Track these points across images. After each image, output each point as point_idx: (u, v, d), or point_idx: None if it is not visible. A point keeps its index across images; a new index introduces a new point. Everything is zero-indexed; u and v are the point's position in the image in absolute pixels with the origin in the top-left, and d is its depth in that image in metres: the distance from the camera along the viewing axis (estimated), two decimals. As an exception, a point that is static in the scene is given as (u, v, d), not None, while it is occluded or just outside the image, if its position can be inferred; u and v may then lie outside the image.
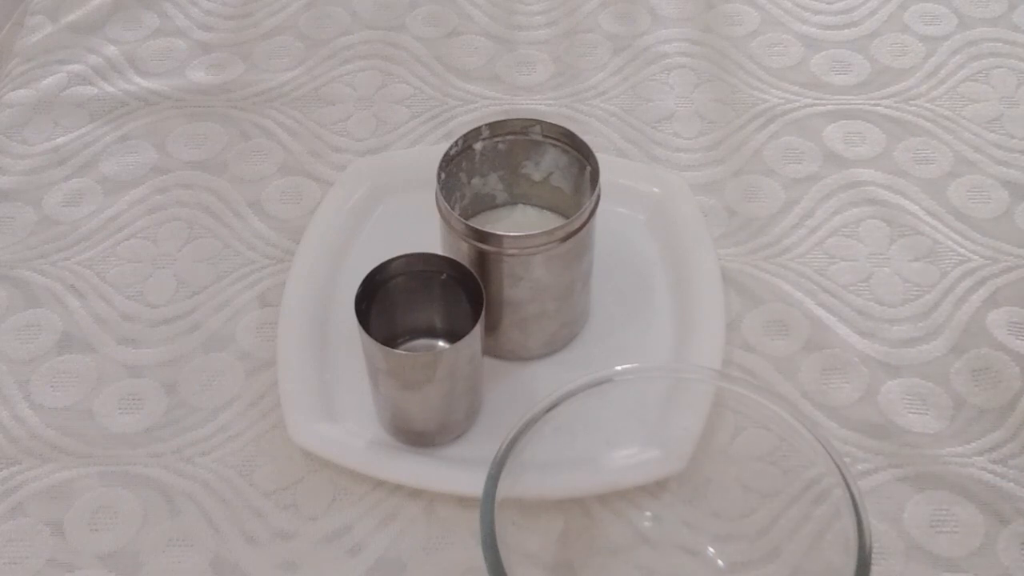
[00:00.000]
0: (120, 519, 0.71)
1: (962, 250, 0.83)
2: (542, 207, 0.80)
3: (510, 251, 0.70)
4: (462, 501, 0.70)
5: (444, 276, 0.71)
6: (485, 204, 0.80)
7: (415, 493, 0.71)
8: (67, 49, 1.00)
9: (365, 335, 0.67)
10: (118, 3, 1.04)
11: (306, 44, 1.00)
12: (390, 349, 0.67)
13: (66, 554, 0.70)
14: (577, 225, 0.71)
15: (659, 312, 0.79)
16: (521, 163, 0.77)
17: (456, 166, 0.75)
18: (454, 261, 0.71)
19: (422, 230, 0.81)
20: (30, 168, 0.91)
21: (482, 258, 0.71)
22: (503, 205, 0.80)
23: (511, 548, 0.59)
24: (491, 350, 0.75)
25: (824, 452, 0.61)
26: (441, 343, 0.75)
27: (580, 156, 0.74)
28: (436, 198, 0.72)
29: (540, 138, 0.76)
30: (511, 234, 0.70)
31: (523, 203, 0.80)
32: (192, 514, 0.71)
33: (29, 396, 0.77)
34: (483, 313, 0.68)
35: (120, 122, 0.94)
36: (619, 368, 0.65)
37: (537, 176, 0.78)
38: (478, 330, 0.68)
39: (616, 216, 0.83)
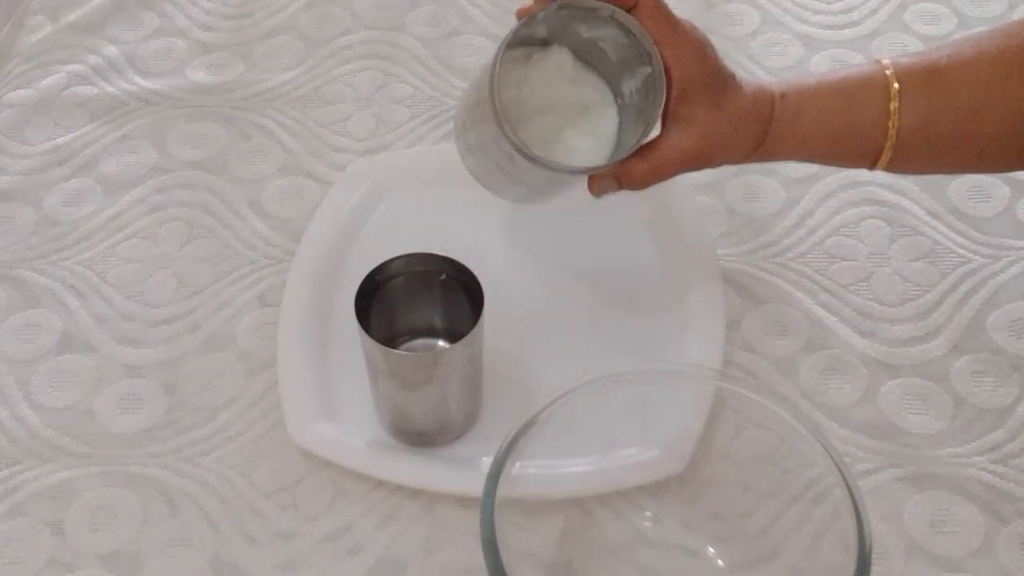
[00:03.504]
0: (120, 519, 0.71)
1: (962, 250, 0.83)
2: (578, 56, 0.72)
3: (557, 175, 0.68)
4: (462, 501, 0.70)
5: (444, 276, 0.71)
6: (525, 41, 0.71)
7: (415, 493, 0.71)
8: (67, 49, 1.00)
9: (365, 335, 0.67)
10: (118, 3, 1.04)
11: (306, 44, 1.00)
12: (390, 349, 0.67)
13: (66, 554, 0.70)
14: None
15: (659, 312, 0.79)
16: (576, 23, 0.70)
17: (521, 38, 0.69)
18: (454, 261, 0.71)
19: (422, 230, 0.82)
20: (30, 168, 0.91)
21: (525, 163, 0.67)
22: (541, 44, 0.72)
23: (511, 548, 0.59)
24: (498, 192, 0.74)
25: (824, 452, 0.61)
26: (441, 343, 0.75)
27: (641, 49, 0.68)
28: (492, 69, 0.66)
29: (609, 15, 0.68)
30: (564, 164, 0.67)
31: (562, 45, 0.72)
32: (192, 514, 0.71)
33: (29, 396, 0.77)
34: (483, 313, 0.68)
35: (120, 122, 0.94)
36: (619, 368, 0.65)
37: (586, 33, 0.70)
38: (478, 330, 0.68)
39: (616, 216, 0.83)
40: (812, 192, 0.87)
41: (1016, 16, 1.01)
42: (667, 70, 0.68)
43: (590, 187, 0.71)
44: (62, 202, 0.88)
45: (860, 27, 1.00)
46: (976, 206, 0.86)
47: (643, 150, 0.69)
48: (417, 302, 0.73)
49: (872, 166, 0.72)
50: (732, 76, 0.70)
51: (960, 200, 0.86)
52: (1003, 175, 0.88)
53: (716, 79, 0.69)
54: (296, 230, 0.85)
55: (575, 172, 0.69)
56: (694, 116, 0.69)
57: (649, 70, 0.68)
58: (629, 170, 0.70)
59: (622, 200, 0.83)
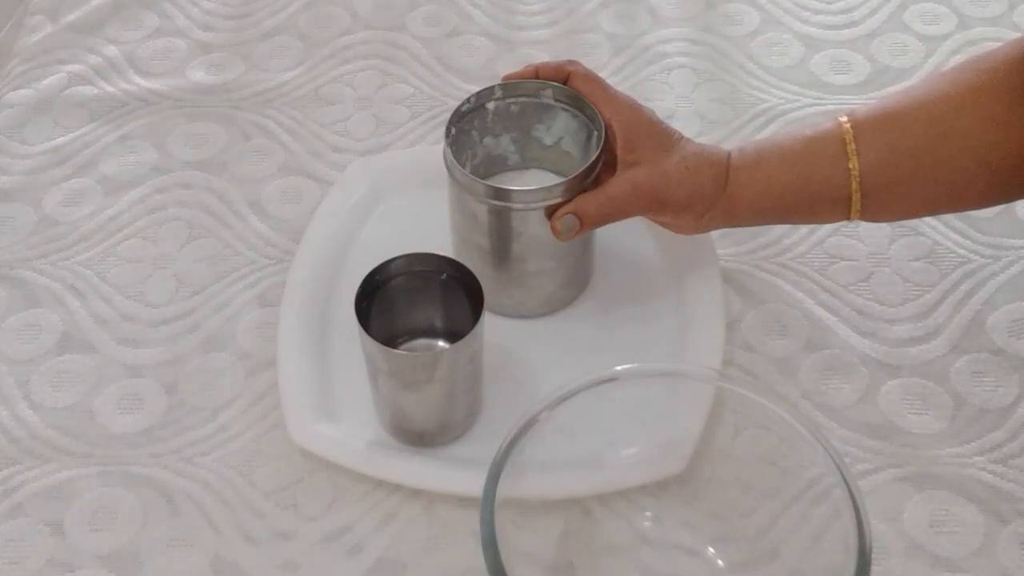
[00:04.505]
0: (120, 519, 0.71)
1: (962, 250, 0.83)
2: (553, 171, 0.81)
3: (515, 206, 0.72)
4: (462, 501, 0.70)
5: (444, 276, 0.71)
6: (497, 166, 0.81)
7: (415, 493, 0.71)
8: (67, 49, 1.00)
9: (365, 335, 0.67)
10: (118, 3, 1.04)
11: (306, 44, 1.00)
12: (390, 349, 0.67)
13: (66, 554, 0.69)
14: (578, 184, 0.72)
15: (659, 312, 0.79)
16: (533, 126, 0.79)
17: (468, 123, 0.77)
18: (454, 261, 0.71)
19: (422, 230, 0.82)
20: (30, 168, 0.91)
21: (487, 213, 0.73)
22: (515, 168, 0.81)
23: (511, 548, 0.59)
24: (493, 307, 0.76)
25: (824, 452, 0.61)
26: (441, 343, 0.75)
27: (588, 122, 0.75)
28: (443, 154, 0.73)
29: (551, 102, 0.77)
30: (515, 188, 0.72)
31: (535, 167, 0.81)
32: (192, 514, 0.71)
33: (29, 396, 0.77)
34: (483, 313, 0.68)
35: (120, 122, 0.94)
36: (619, 368, 0.65)
37: (548, 140, 0.79)
38: (478, 330, 0.68)
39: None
40: (812, 192, 0.87)
41: (1016, 17, 1.01)
42: (608, 123, 0.73)
43: (553, 228, 0.72)
44: (62, 202, 0.88)
45: (860, 27, 1.00)
46: (976, 206, 0.86)
47: (598, 185, 0.73)
48: (417, 302, 0.73)
49: (848, 215, 0.72)
50: (676, 131, 0.74)
51: (960, 200, 0.86)
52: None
53: (657, 128, 0.73)
54: (296, 230, 0.85)
55: (526, 199, 0.72)
56: (643, 157, 0.72)
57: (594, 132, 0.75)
58: (584, 203, 0.72)
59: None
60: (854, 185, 0.70)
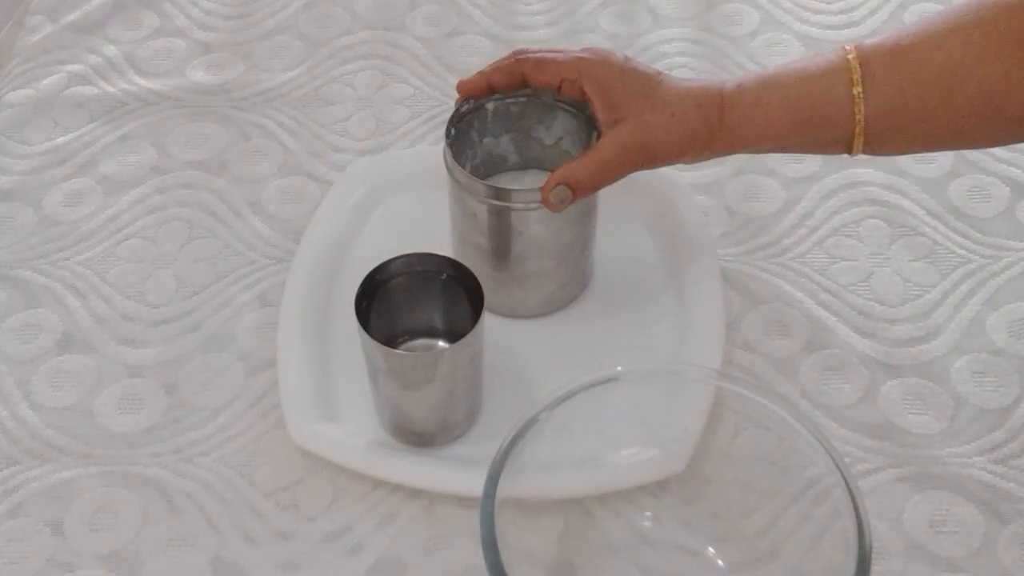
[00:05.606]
0: (120, 519, 0.71)
1: (962, 250, 0.83)
2: (553, 171, 0.81)
3: (515, 205, 0.72)
4: (462, 501, 0.70)
5: (444, 276, 0.71)
6: (497, 166, 0.81)
7: (415, 493, 0.71)
8: (67, 49, 1.00)
9: (365, 335, 0.67)
10: (118, 3, 1.04)
11: (306, 44, 1.00)
12: (390, 349, 0.67)
13: (66, 554, 0.69)
14: None
15: (659, 312, 0.79)
16: (532, 126, 0.79)
17: (467, 124, 0.77)
18: (454, 261, 0.71)
19: (422, 230, 0.82)
20: (30, 168, 0.91)
21: (487, 213, 0.73)
22: (515, 168, 0.82)
23: (511, 548, 0.59)
24: (493, 307, 0.76)
25: (824, 452, 0.61)
26: (441, 343, 0.75)
27: (589, 122, 0.75)
28: (443, 154, 0.73)
29: (551, 102, 0.77)
30: (515, 188, 0.72)
31: (535, 167, 0.81)
32: (192, 514, 0.71)
33: (29, 396, 0.77)
34: (483, 313, 0.68)
35: (120, 122, 0.94)
36: (619, 368, 0.65)
37: (548, 140, 0.79)
38: (478, 330, 0.68)
39: (616, 216, 0.83)
40: (812, 192, 0.87)
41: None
42: (580, 90, 0.71)
43: (545, 200, 0.70)
44: (62, 202, 0.88)
45: (860, 27, 1.00)
46: (976, 206, 0.86)
47: (585, 152, 0.71)
48: (417, 302, 0.73)
49: (849, 152, 0.70)
50: (656, 72, 0.71)
51: (960, 200, 0.86)
52: (1003, 175, 0.88)
53: (633, 77, 0.71)
54: (296, 230, 0.85)
55: (526, 199, 0.72)
56: (625, 112, 0.70)
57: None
58: (574, 171, 0.70)
59: (623, 200, 0.83)
60: (858, 129, 0.68)
